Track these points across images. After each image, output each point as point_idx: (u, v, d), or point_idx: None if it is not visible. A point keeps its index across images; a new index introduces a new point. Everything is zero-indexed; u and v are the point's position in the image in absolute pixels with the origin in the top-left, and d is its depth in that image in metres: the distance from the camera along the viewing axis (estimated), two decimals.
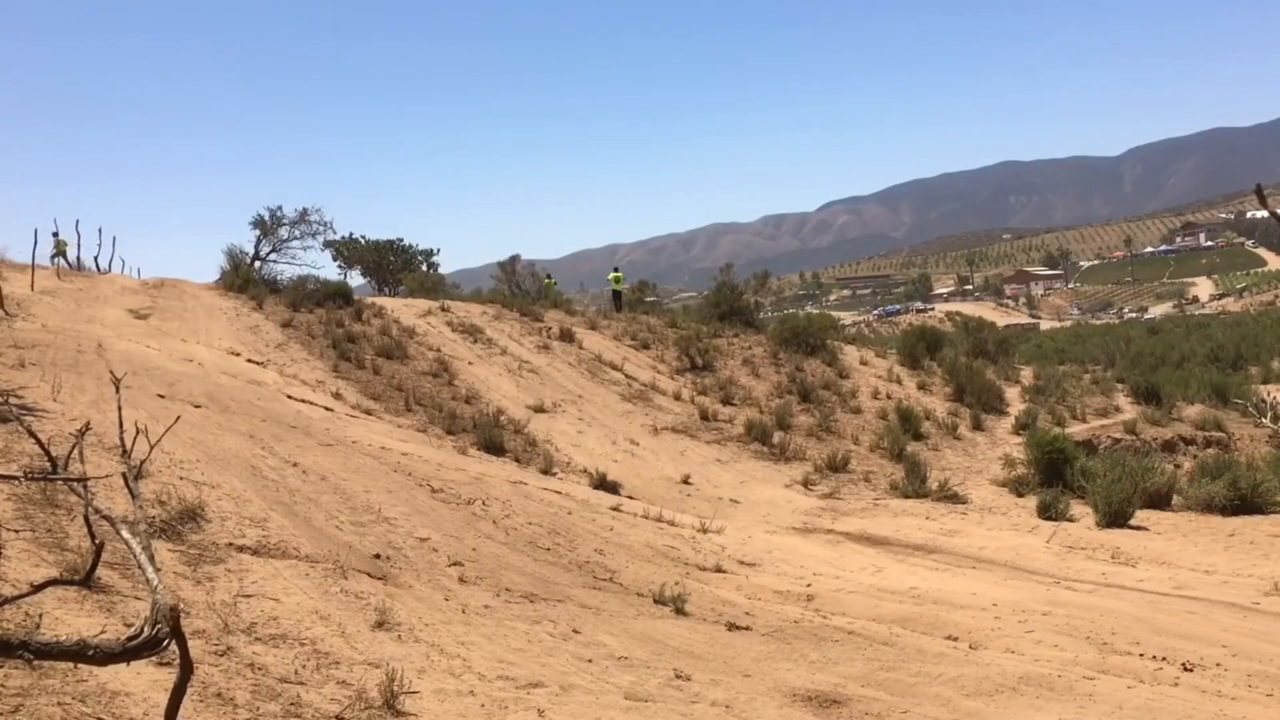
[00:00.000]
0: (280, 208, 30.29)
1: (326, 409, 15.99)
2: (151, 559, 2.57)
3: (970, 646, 8.48)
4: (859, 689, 6.93)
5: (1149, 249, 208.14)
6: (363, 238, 39.13)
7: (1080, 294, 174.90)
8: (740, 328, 28.11)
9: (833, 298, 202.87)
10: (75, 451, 3.43)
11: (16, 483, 6.79)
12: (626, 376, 22.34)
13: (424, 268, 38.63)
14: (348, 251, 37.88)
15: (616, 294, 34.49)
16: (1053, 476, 16.84)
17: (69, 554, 6.24)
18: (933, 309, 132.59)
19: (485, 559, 9.39)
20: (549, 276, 37.64)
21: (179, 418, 9.08)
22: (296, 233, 30.04)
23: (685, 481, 16.89)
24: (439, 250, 40.45)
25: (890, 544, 13.34)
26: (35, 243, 22.34)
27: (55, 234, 28.31)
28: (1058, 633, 8.77)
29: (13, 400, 9.32)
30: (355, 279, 37.16)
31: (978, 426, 22.51)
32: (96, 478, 3.06)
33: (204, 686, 4.79)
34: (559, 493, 13.66)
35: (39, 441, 3.20)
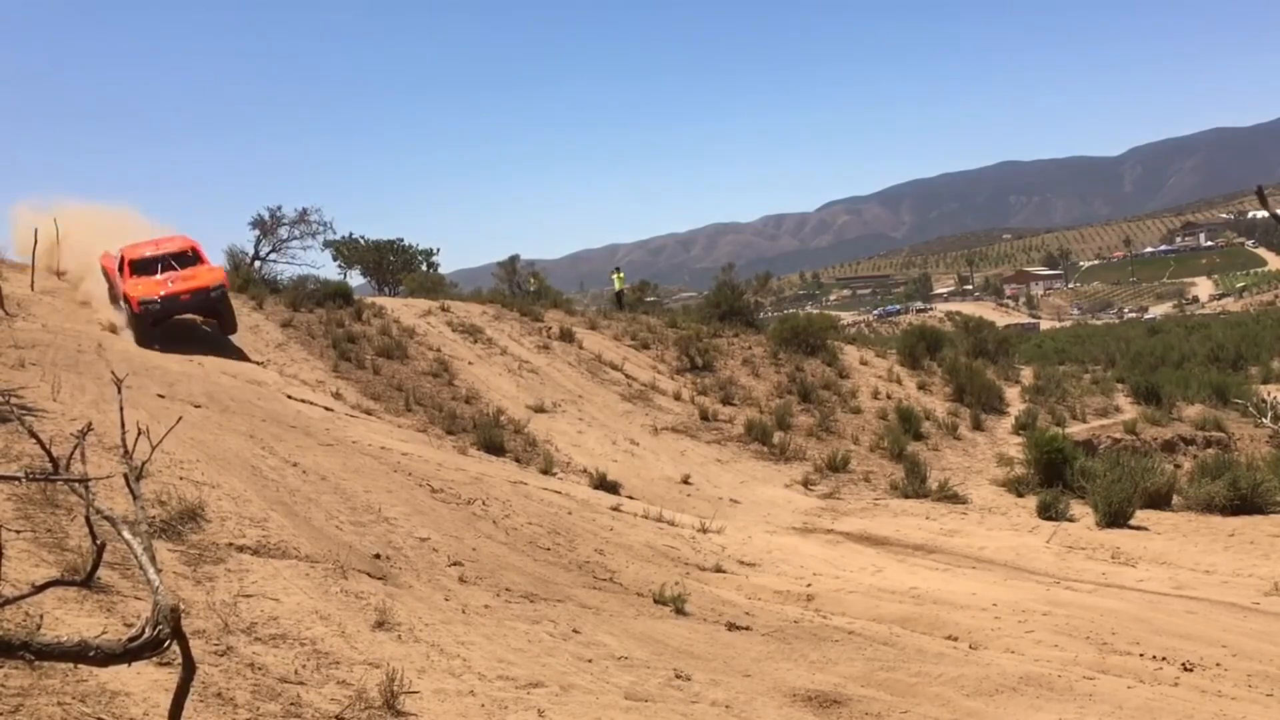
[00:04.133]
0: (280, 207, 30.27)
1: (326, 409, 16.00)
2: (153, 559, 2.58)
3: (970, 646, 8.48)
4: (859, 689, 6.93)
5: (1149, 249, 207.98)
6: (363, 238, 39.06)
7: (1080, 294, 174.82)
8: (740, 328, 28.10)
9: (833, 298, 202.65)
10: (76, 452, 3.43)
11: (17, 483, 6.80)
12: (626, 376, 22.35)
13: (424, 268, 38.58)
14: (348, 251, 37.83)
15: (619, 293, 34.50)
16: (1053, 476, 16.85)
17: (69, 554, 6.25)
18: (933, 309, 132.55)
19: (485, 559, 9.40)
20: (534, 276, 37.37)
21: (180, 418, 9.09)
22: (296, 233, 30.00)
23: (685, 481, 16.90)
24: (439, 250, 40.40)
25: (890, 544, 13.35)
26: (35, 242, 22.18)
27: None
28: (1058, 633, 8.78)
29: (13, 400, 9.32)
30: (355, 279, 37.12)
31: (978, 426, 22.52)
32: (98, 478, 3.06)
33: (204, 686, 4.80)
34: (559, 493, 13.67)
35: (40, 442, 3.20)
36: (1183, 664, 7.85)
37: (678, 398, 21.55)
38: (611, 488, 15.41)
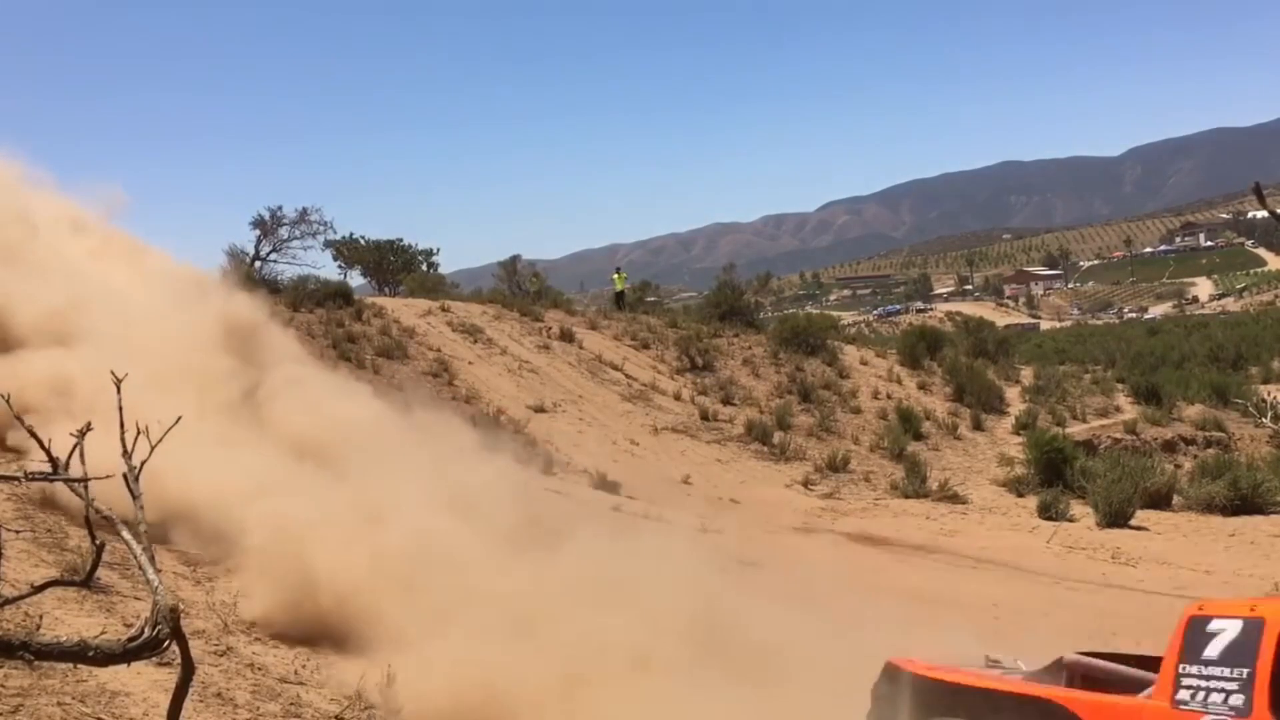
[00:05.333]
0: (280, 208, 30.22)
1: None
2: (152, 560, 2.57)
3: None
4: None
5: (1149, 249, 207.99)
6: (363, 238, 38.98)
7: (1080, 294, 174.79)
8: (740, 328, 28.10)
9: (833, 298, 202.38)
10: (76, 452, 3.43)
11: (17, 483, 6.79)
12: (627, 376, 22.35)
13: (424, 268, 38.54)
14: (348, 251, 37.76)
15: (619, 294, 34.45)
16: (1053, 476, 16.86)
17: (69, 554, 6.25)
18: (933, 309, 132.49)
19: None
20: (535, 275, 37.06)
21: (180, 417, 9.07)
22: (297, 233, 29.98)
23: (685, 481, 16.89)
24: (439, 250, 40.32)
25: (891, 544, 13.36)
26: None
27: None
28: (1058, 633, 8.77)
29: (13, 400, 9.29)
30: (355, 279, 37.04)
31: (978, 426, 22.52)
32: (97, 478, 3.06)
33: (204, 686, 4.80)
34: (559, 493, 13.66)
35: (39, 441, 3.20)
36: None
37: (678, 398, 21.55)
38: (612, 487, 15.40)
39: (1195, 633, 3.90)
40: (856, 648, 5.52)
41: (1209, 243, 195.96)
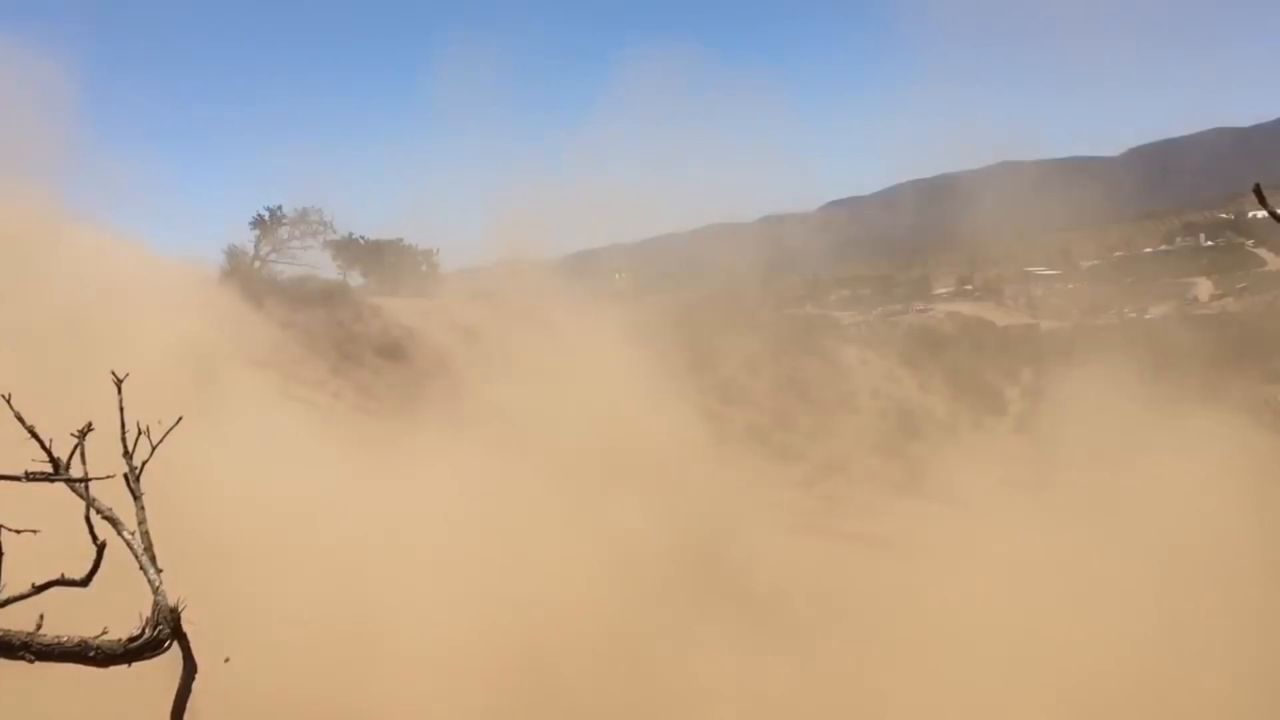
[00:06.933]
0: (280, 208, 30.23)
1: None
2: (153, 559, 2.58)
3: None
4: None
5: (1149, 249, 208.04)
6: (362, 238, 38.96)
7: (1080, 294, 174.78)
8: (741, 328, 28.08)
9: (833, 298, 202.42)
10: (77, 452, 3.43)
11: (17, 483, 6.77)
12: None
13: (424, 268, 38.51)
14: (347, 251, 37.74)
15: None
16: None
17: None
18: (933, 309, 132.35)
19: None
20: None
21: (180, 418, 9.08)
22: (296, 233, 29.98)
23: None
24: (439, 250, 40.25)
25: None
26: None
27: None
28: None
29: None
30: (355, 279, 36.99)
31: (977, 426, 22.52)
32: (98, 478, 3.07)
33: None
34: None
35: (40, 441, 3.21)
36: None
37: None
38: None
39: None
40: None
41: (1209, 243, 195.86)
